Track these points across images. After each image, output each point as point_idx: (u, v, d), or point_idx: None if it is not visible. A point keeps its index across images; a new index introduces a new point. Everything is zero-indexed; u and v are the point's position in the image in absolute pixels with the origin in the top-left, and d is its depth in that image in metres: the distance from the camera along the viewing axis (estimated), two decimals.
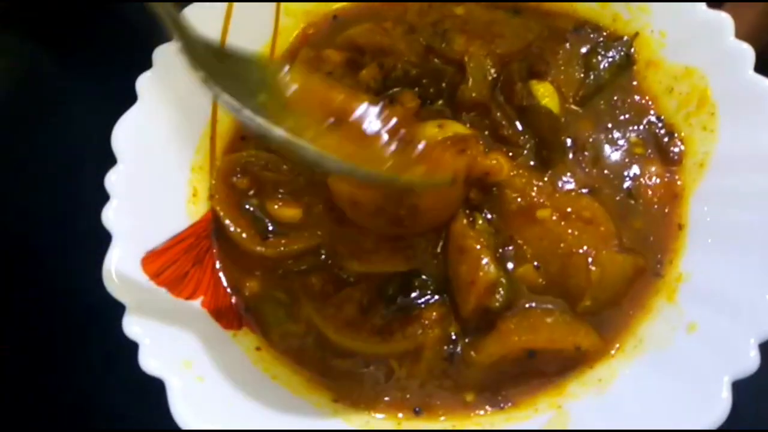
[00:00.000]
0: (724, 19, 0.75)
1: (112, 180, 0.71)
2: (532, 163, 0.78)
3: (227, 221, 0.77)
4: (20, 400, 0.82)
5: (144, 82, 0.75)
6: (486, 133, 0.79)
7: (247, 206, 0.79)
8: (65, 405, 0.81)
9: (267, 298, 0.76)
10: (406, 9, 0.87)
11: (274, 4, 0.85)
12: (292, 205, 0.78)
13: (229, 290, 0.77)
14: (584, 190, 0.77)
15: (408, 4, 0.88)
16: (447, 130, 0.75)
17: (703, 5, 0.76)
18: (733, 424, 0.63)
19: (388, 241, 0.75)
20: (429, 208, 0.72)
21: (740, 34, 0.74)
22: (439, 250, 0.75)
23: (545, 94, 0.80)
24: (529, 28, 0.85)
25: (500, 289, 0.71)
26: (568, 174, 0.78)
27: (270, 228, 0.78)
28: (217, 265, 0.77)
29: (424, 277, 0.74)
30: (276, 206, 0.78)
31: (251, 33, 0.84)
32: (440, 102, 0.81)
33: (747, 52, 0.73)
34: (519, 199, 0.75)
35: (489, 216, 0.75)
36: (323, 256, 0.76)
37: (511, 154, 0.78)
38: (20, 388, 0.82)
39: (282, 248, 0.77)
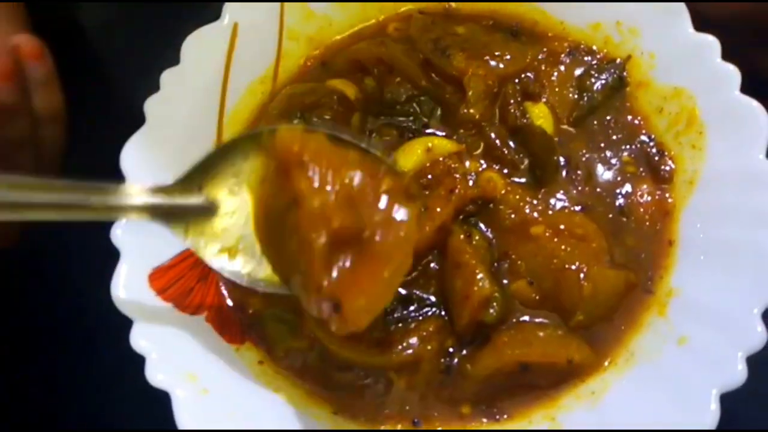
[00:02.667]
0: (711, 42, 0.77)
1: None
2: (525, 181, 0.80)
3: None
4: (27, 411, 0.84)
5: (151, 105, 0.78)
6: (479, 151, 0.81)
7: None
8: (72, 417, 0.83)
9: (270, 316, 0.78)
10: (408, 25, 0.89)
11: (277, 28, 0.88)
12: None
13: (232, 309, 0.79)
14: (577, 208, 0.79)
15: (410, 20, 0.90)
16: (435, 152, 0.78)
17: (690, 28, 0.79)
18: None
19: None
20: None
21: None
22: (435, 264, 0.77)
23: (540, 115, 0.83)
24: (525, 51, 0.87)
25: (494, 303, 0.73)
26: (561, 192, 0.80)
27: None
28: (221, 285, 0.79)
29: (420, 291, 0.76)
30: None
31: (255, 56, 0.87)
32: (434, 120, 0.84)
33: (733, 73, 0.75)
34: (513, 216, 0.77)
35: (484, 228, 0.78)
36: None
37: (506, 171, 0.80)
38: (27, 400, 0.84)
39: None
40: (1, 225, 0.69)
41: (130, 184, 0.67)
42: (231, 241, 0.70)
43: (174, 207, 0.67)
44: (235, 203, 0.70)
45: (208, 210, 0.69)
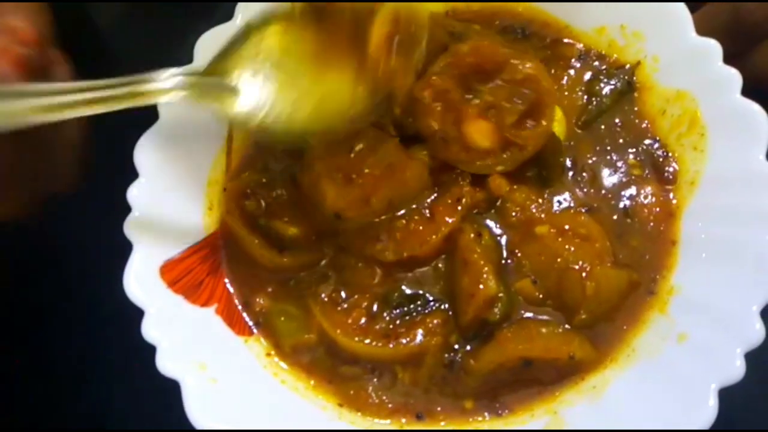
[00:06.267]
0: (712, 45, 0.78)
1: (133, 193, 0.76)
2: (530, 177, 0.81)
3: (244, 238, 0.81)
4: (37, 400, 0.85)
5: (165, 103, 0.79)
6: None
7: (259, 224, 0.82)
8: (82, 405, 0.85)
9: (278, 312, 0.80)
10: None
11: None
12: (293, 223, 0.80)
13: (240, 306, 0.80)
14: (582, 209, 0.80)
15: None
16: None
17: (692, 32, 0.80)
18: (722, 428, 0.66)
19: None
20: None
21: None
22: (443, 265, 0.79)
23: (554, 119, 0.84)
24: (535, 54, 0.88)
25: (498, 304, 0.74)
26: (567, 193, 0.81)
27: (281, 245, 0.81)
28: (228, 283, 0.81)
29: (426, 289, 0.78)
30: (282, 223, 0.81)
31: None
32: None
33: (734, 77, 0.76)
34: (518, 214, 0.78)
35: (493, 225, 0.79)
36: (330, 272, 0.80)
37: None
38: (37, 389, 0.86)
39: (297, 261, 0.80)
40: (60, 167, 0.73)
41: (162, 71, 0.71)
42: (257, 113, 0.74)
43: (205, 85, 0.72)
44: (258, 81, 0.75)
45: (235, 90, 0.74)
